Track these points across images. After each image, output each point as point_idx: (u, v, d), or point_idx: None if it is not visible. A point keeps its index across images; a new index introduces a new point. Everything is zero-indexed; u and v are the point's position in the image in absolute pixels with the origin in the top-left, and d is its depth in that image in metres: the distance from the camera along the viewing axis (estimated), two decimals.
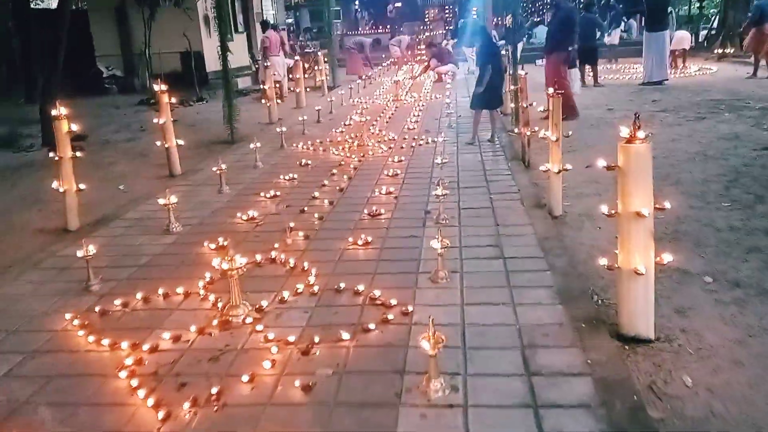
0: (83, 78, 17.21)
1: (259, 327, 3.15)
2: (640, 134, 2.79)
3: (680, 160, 6.30)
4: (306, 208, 5.24)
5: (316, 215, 5.03)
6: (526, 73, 6.58)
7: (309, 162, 7.07)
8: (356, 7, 39.24)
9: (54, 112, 4.94)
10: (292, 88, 13.54)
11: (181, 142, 6.89)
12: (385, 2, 39.04)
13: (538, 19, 30.27)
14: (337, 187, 5.90)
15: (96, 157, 8.31)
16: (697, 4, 26.88)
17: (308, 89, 13.11)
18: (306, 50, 19.66)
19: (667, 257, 2.90)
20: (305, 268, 3.90)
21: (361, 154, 7.34)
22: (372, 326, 3.07)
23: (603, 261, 2.99)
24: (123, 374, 2.80)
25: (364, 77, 16.93)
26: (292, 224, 4.75)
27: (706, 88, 11.57)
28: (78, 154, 5.08)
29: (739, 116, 8.45)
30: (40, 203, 6.00)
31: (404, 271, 3.83)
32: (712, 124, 7.99)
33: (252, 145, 7.06)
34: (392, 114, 10.62)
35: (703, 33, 23.08)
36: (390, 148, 7.67)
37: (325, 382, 2.66)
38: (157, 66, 17.83)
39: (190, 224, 5.06)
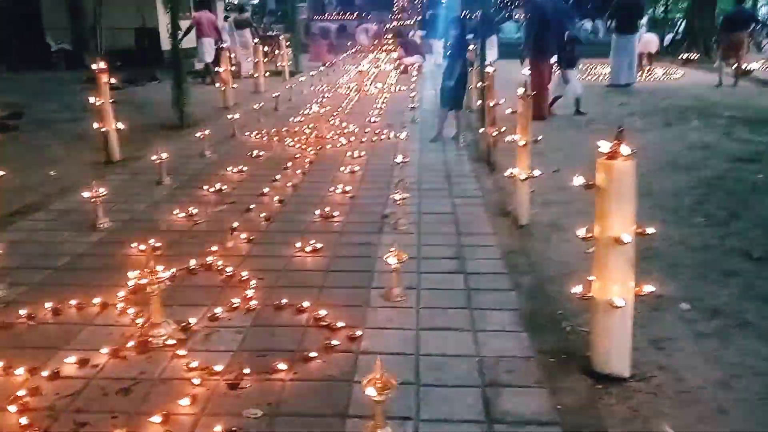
0: (29, 52, 16.23)
1: (182, 351, 2.72)
2: (624, 150, 2.45)
3: (650, 169, 6.05)
4: (252, 206, 4.80)
5: (262, 215, 4.59)
6: (494, 70, 6.24)
7: (261, 153, 6.61)
8: None
9: None
10: (252, 72, 12.95)
11: (121, 125, 6.33)
12: None
13: (507, 15, 30.08)
14: (289, 183, 5.46)
15: (30, 137, 7.68)
16: (662, 8, 27.10)
17: (268, 74, 12.54)
18: (268, 33, 18.98)
19: (648, 288, 2.58)
20: (244, 278, 3.47)
21: (319, 147, 6.91)
22: (313, 354, 2.68)
23: (575, 289, 2.66)
24: (13, 408, 2.34)
25: (328, 64, 16.44)
26: (235, 224, 4.30)
27: (673, 94, 11.47)
28: None
29: (707, 124, 8.30)
30: None
31: (355, 285, 3.44)
32: (682, 132, 7.82)
33: (200, 133, 6.55)
34: (354, 105, 10.19)
35: (667, 37, 23.23)
36: (349, 141, 7.26)
37: (252, 425, 2.26)
38: (110, 42, 16.96)
39: (121, 220, 4.56)
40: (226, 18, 18.99)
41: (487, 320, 3.01)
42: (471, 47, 9.13)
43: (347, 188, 5.25)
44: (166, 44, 16.47)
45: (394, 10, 25.69)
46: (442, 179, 5.67)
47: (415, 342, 2.82)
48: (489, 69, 6.32)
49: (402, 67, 15.30)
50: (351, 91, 11.76)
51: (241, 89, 11.74)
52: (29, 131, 8.07)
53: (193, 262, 3.67)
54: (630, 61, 12.17)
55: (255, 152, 6.62)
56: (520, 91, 4.46)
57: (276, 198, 5.01)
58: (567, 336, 2.96)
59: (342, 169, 5.92)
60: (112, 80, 6.26)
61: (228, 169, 5.93)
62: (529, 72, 9.12)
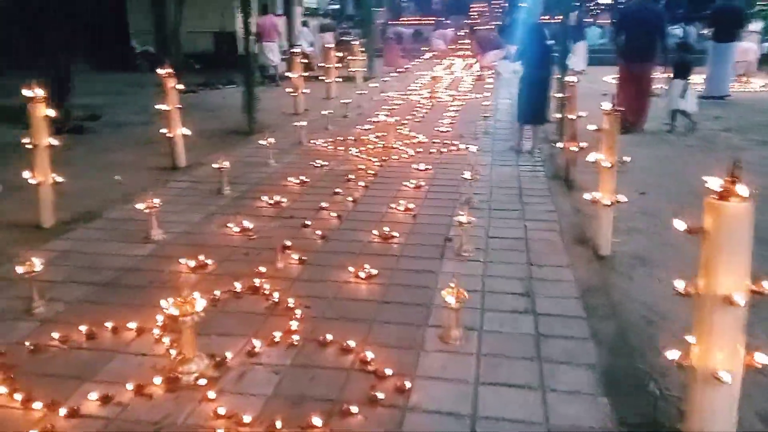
0: (115, 54, 16.88)
1: (212, 394, 2.46)
2: (741, 189, 2.00)
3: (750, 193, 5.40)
4: (309, 222, 4.53)
5: (318, 233, 4.32)
6: (577, 80, 5.74)
7: (325, 163, 6.37)
8: None
9: (27, 93, 4.29)
10: (323, 77, 12.80)
11: (186, 131, 6.26)
12: None
13: (591, 20, 28.85)
14: (350, 197, 5.17)
15: (102, 140, 7.78)
16: (763, 14, 25.22)
17: (340, 79, 12.37)
18: (343, 38, 18.92)
19: (761, 357, 2.11)
20: (290, 306, 3.20)
21: (384, 158, 6.61)
22: (354, 409, 2.35)
23: (671, 353, 2.21)
24: None
25: (401, 70, 16.17)
26: (287, 242, 4.05)
27: None
28: (54, 142, 4.43)
29: None
30: (22, 190, 5.41)
31: (410, 321, 3.09)
32: None
33: (264, 141, 6.38)
34: (425, 113, 9.83)
35: (765, 45, 21.55)
36: (417, 152, 6.92)
37: None
38: (190, 45, 17.35)
39: (175, 231, 4.40)
40: (304, 23, 19.20)
41: (558, 377, 2.60)
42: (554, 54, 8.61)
43: (410, 205, 4.92)
44: (271, 61, 16.75)
45: (473, 15, 25.20)
46: (514, 198, 5.23)
47: (473, 399, 2.44)
48: (571, 79, 5.82)
49: (479, 71, 14.73)
50: (423, 98, 11.42)
51: (313, 94, 11.63)
52: (103, 134, 8.19)
53: (238, 285, 3.42)
54: (726, 71, 11.24)
55: (319, 162, 6.38)
56: (606, 105, 3.99)
57: (334, 214, 4.74)
58: (655, 402, 2.50)
59: (406, 183, 5.59)
60: (180, 86, 6.19)
61: (290, 179, 5.72)
62: (616, 80, 8.54)
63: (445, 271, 3.68)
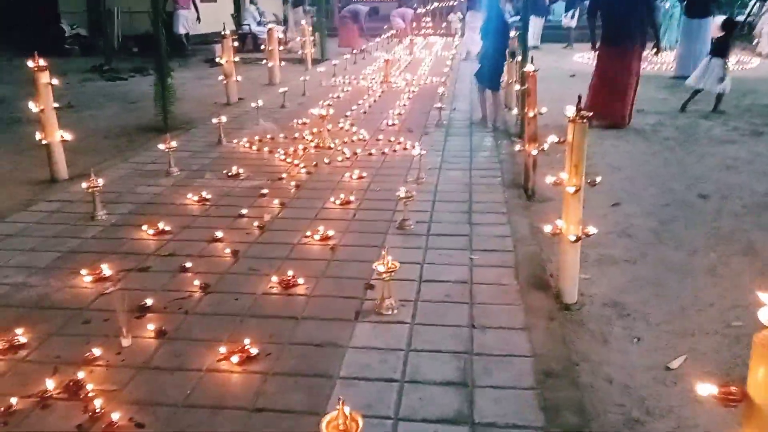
0: (43, 37, 15.36)
1: None
2: None
3: (747, 204, 4.51)
4: (190, 264, 3.48)
5: (196, 283, 3.26)
6: (536, 70, 4.72)
7: (241, 171, 5.28)
8: None
9: None
10: (266, 60, 11.57)
11: (68, 136, 5.12)
12: None
13: None
14: (257, 223, 4.12)
15: None
16: None
17: (283, 63, 11.20)
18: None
19: None
20: (114, 422, 2.17)
21: (314, 163, 5.55)
22: None
23: None
24: None
25: (357, 51, 15.02)
26: (148, 302, 3.00)
27: (753, 89, 9.66)
28: None
29: None
30: None
31: None
32: None
33: (163, 146, 5.25)
34: (375, 101, 8.76)
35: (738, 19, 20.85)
36: (354, 154, 5.86)
37: None
38: (126, 26, 16.04)
39: (6, 284, 3.30)
40: (251, 1, 17.80)
41: None
42: (512, 34, 7.69)
43: (330, 232, 3.89)
44: (184, 29, 15.42)
45: None
46: (462, 217, 4.24)
47: None
48: (529, 68, 4.81)
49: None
50: (375, 83, 10.34)
51: (257, 80, 10.53)
52: None
53: (51, 384, 2.37)
54: (699, 50, 10.35)
55: (234, 169, 5.29)
56: (569, 110, 2.99)
57: (228, 250, 3.68)
58: None
59: (333, 199, 4.56)
60: (54, 81, 5.04)
61: (188, 195, 4.64)
62: (594, 63, 7.44)
63: (354, 345, 2.68)
